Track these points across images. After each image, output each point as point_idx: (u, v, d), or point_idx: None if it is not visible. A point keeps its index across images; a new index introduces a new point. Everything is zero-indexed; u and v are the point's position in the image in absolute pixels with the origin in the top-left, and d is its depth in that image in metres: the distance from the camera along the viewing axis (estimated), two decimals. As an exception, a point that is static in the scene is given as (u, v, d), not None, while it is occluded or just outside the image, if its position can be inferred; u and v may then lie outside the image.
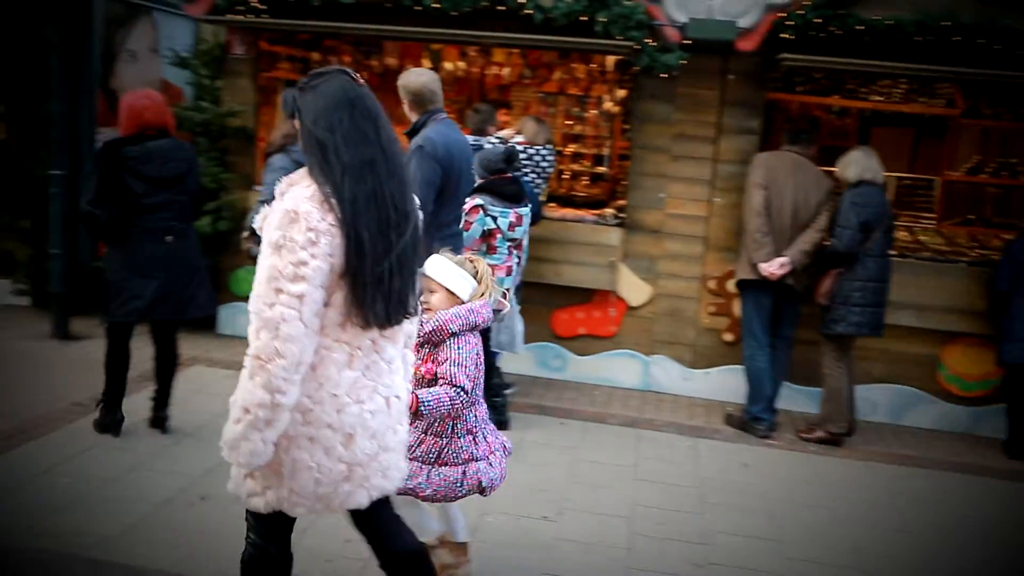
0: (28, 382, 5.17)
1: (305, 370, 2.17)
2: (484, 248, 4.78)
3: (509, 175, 4.85)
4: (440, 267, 2.91)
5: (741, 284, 5.38)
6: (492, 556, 3.53)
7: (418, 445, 2.92)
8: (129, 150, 4.23)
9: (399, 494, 2.77)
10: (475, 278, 2.96)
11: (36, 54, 6.54)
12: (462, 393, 2.79)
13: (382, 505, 2.49)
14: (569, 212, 6.27)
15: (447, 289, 2.90)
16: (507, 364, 5.75)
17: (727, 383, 5.90)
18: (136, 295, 4.25)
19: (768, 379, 5.33)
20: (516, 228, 4.83)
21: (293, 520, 2.43)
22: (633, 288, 5.98)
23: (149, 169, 4.25)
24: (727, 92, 5.73)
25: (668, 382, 6.03)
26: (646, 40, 5.46)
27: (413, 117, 4.32)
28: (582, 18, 5.48)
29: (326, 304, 2.19)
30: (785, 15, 5.33)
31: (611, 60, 6.88)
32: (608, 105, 7.37)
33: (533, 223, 5.28)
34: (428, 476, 2.89)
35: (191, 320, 4.63)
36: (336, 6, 5.72)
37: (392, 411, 2.39)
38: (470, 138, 5.55)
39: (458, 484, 2.90)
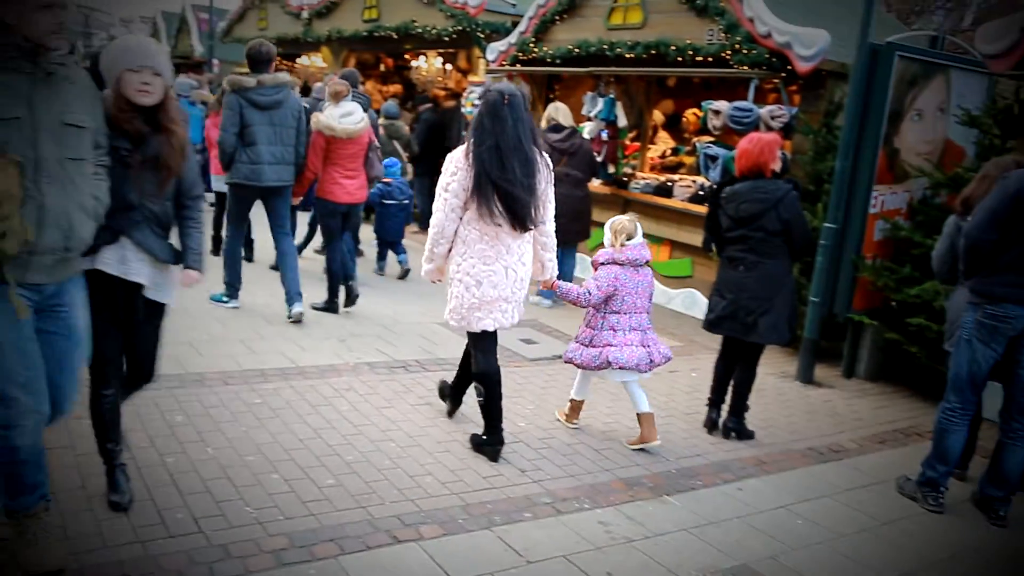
0: (769, 417, 5.48)
1: (449, 236, 4.14)
2: None
3: None
4: (611, 226, 4.73)
5: None
6: None
7: (580, 333, 4.72)
8: (725, 190, 4.90)
9: (565, 362, 4.80)
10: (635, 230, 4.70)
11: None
12: (587, 293, 4.54)
13: (494, 338, 4.33)
14: None
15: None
16: None
17: None
18: (711, 308, 4.98)
19: None
20: None
21: (487, 338, 4.28)
22: None
23: (730, 208, 4.84)
24: None
25: None
26: None
27: None
28: None
29: (465, 206, 4.08)
30: None
31: None
32: None
33: None
34: (581, 353, 4.65)
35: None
36: None
37: (509, 276, 4.16)
38: None
39: (596, 358, 4.58)
